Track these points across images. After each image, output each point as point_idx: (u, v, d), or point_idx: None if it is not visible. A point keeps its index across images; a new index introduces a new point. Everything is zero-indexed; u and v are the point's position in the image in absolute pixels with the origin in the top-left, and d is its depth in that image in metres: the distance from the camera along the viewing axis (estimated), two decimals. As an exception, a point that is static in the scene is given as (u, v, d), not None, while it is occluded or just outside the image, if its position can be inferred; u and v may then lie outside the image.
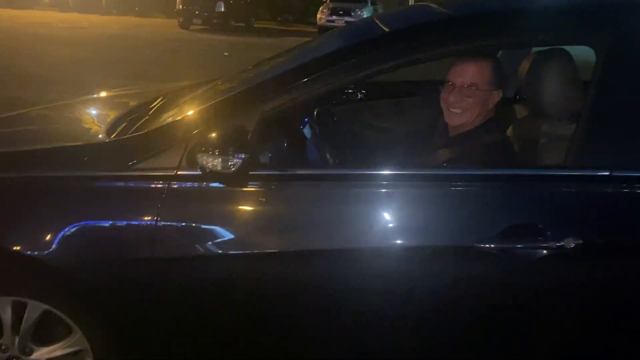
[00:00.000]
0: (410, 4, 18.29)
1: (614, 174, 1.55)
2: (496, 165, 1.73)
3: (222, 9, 18.11)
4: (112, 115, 2.20)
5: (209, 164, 1.50)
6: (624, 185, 1.57)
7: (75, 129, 2.33)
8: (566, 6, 1.80)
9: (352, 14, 17.62)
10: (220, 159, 1.49)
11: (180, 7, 18.01)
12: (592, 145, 1.59)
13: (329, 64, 1.69)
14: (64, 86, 7.05)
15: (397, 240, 1.59)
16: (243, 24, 19.41)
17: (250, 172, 1.60)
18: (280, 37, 16.90)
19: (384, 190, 1.63)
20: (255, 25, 20.19)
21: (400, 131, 3.08)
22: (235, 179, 1.58)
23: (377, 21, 1.99)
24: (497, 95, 1.95)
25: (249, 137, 1.58)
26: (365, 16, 17.68)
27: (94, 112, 2.60)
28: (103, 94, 3.04)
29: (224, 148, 1.50)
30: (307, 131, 2.44)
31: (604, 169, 1.56)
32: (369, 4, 18.72)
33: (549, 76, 1.85)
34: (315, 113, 2.41)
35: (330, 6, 18.17)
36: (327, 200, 1.64)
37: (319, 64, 1.73)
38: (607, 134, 1.59)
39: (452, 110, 1.96)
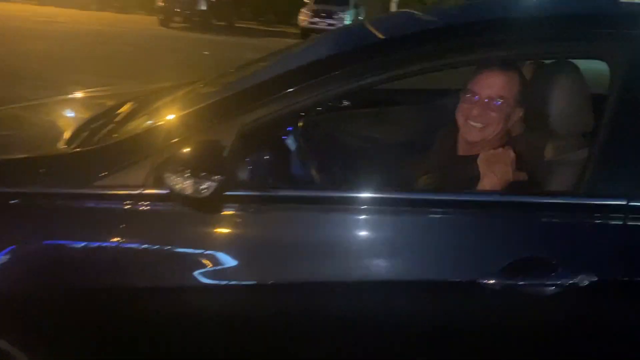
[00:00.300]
0: (392, 8, 18.30)
1: (632, 203, 1.40)
2: (503, 193, 1.56)
3: (204, 7, 17.82)
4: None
5: (178, 187, 1.31)
6: (643, 216, 1.41)
7: (38, 136, 2.10)
8: (576, 15, 1.64)
9: (335, 16, 17.43)
10: (190, 182, 1.29)
11: (161, 4, 17.65)
12: (607, 171, 1.43)
13: (319, 73, 1.51)
14: (36, 82, 6.77)
15: (391, 273, 1.42)
16: (225, 23, 19.10)
17: (226, 193, 1.41)
18: (262, 38, 16.66)
19: (377, 215, 1.45)
20: (237, 25, 19.87)
21: (388, 141, 2.92)
22: (208, 204, 1.39)
23: (369, 27, 1.81)
24: (518, 113, 1.78)
25: (225, 155, 1.39)
26: (347, 19, 17.56)
27: (64, 115, 2.38)
28: (79, 94, 2.80)
29: (196, 169, 1.30)
30: (290, 142, 2.25)
31: (621, 198, 1.40)
32: (352, 7, 18.57)
33: (556, 90, 1.70)
34: (299, 122, 2.23)
35: (313, 8, 17.96)
36: (313, 226, 1.45)
37: (307, 73, 1.54)
38: (624, 158, 1.43)
39: (472, 123, 1.76)
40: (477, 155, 1.77)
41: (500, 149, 1.67)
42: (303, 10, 18.27)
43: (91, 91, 2.93)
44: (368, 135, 2.93)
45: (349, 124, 2.91)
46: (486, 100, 1.73)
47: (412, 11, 2.05)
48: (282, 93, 1.49)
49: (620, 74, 1.45)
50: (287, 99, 1.49)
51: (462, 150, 1.86)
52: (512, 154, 1.64)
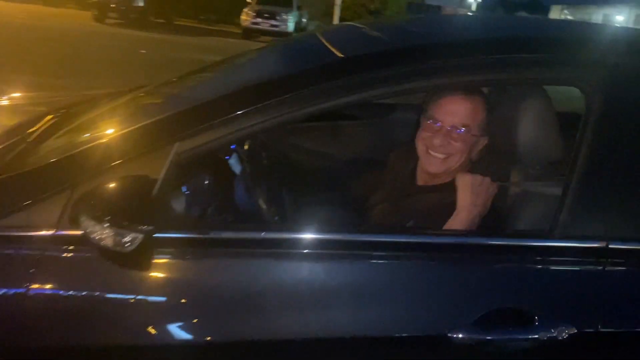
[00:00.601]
0: (335, 12, 18.25)
1: (612, 246, 1.28)
2: (470, 233, 1.41)
3: (141, 4, 17.19)
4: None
5: (96, 236, 1.07)
6: (624, 260, 1.30)
7: None
8: (547, 37, 1.52)
9: (278, 17, 17.20)
10: (111, 232, 1.06)
11: (95, -2, 16.93)
12: (584, 210, 1.30)
13: (271, 95, 1.31)
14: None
15: (351, 328, 1.23)
16: (163, 21, 18.54)
17: (156, 235, 1.18)
18: (202, 37, 16.22)
19: (332, 262, 1.27)
20: (176, 23, 19.32)
21: (342, 157, 2.76)
22: (133, 259, 1.16)
23: (326, 42, 1.61)
24: (483, 142, 1.63)
25: (155, 193, 1.17)
26: (291, 21, 17.37)
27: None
28: (4, 101, 2.46)
29: (117, 215, 1.07)
30: (234, 163, 2.03)
31: (599, 240, 1.28)
32: (295, 8, 18.40)
33: (521, 115, 1.57)
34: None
35: (255, 8, 17.66)
36: (261, 274, 1.25)
37: (258, 94, 1.34)
38: (602, 195, 1.31)
39: (434, 154, 1.60)
40: (438, 186, 1.64)
41: (487, 179, 1.53)
42: (245, 10, 17.95)
43: (9, 98, 2.60)
44: (322, 151, 2.76)
45: (300, 139, 2.72)
46: (449, 129, 1.57)
47: (366, 26, 1.88)
48: (227, 117, 1.28)
49: (597, 101, 1.33)
50: (233, 124, 1.28)
51: (421, 179, 1.71)
52: (495, 186, 1.53)
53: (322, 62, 1.49)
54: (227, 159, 2.03)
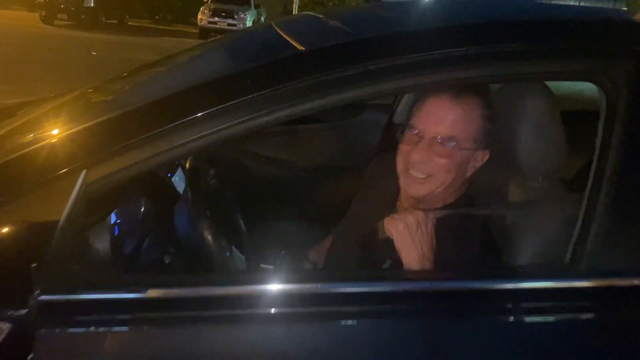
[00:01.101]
0: (294, 9, 17.90)
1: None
2: (467, 275, 1.11)
3: (92, 4, 16.54)
4: None
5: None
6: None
7: None
8: (553, 22, 1.25)
9: (235, 16, 16.75)
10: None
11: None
12: (615, 236, 1.03)
13: (212, 102, 1.00)
14: None
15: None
16: (116, 21, 17.91)
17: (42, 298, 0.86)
18: (157, 37, 15.68)
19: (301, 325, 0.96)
20: (129, 23, 18.72)
21: (303, 164, 2.46)
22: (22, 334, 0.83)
23: (285, 35, 1.30)
24: (481, 158, 1.26)
25: (54, 240, 0.85)
26: (249, 19, 16.94)
27: None
28: None
29: None
30: (178, 180, 1.70)
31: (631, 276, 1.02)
32: (252, 7, 17.99)
33: (521, 118, 1.30)
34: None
35: (212, 7, 17.17)
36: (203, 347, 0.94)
37: (194, 100, 1.02)
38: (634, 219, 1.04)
39: (412, 173, 1.26)
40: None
41: (418, 213, 1.20)
42: (202, 9, 17.48)
43: None
44: (284, 159, 2.46)
45: (258, 146, 2.41)
46: (431, 141, 1.22)
47: (326, 15, 1.58)
48: (152, 134, 0.96)
49: (622, 98, 1.07)
50: (159, 142, 0.96)
51: (405, 202, 1.36)
52: (428, 216, 1.21)
53: (275, 61, 1.18)
54: (170, 177, 1.71)
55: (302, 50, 1.16)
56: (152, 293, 0.94)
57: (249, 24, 16.74)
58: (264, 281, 0.99)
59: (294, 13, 17.80)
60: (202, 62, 1.55)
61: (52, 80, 6.89)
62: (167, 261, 1.25)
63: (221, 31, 16.28)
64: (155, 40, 14.59)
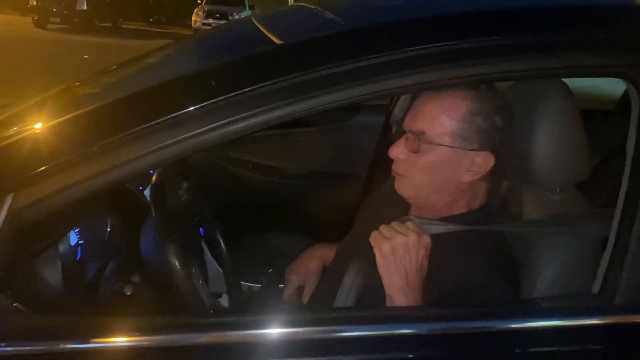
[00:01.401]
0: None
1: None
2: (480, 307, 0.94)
3: (85, 7, 16.35)
4: None
5: None
6: None
7: None
8: (572, 8, 1.08)
9: (230, 17, 16.62)
10: None
11: (34, 3, 15.99)
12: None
13: (177, 105, 0.83)
14: None
15: None
16: (109, 24, 17.73)
17: None
18: (151, 40, 15.49)
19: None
20: (123, 26, 18.56)
21: (292, 171, 2.30)
22: None
23: (262, 28, 1.12)
24: (482, 162, 1.11)
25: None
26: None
27: None
28: None
29: None
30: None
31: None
32: (247, 8, 17.87)
33: (534, 120, 1.13)
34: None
35: (206, 9, 17.09)
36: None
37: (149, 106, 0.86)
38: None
39: (395, 172, 1.17)
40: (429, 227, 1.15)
41: (411, 233, 1.04)
42: (196, 10, 17.38)
43: None
44: (270, 165, 2.29)
45: (242, 151, 2.24)
46: (407, 136, 1.12)
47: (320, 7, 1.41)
48: (106, 143, 0.79)
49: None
50: (106, 156, 0.79)
51: (414, 212, 1.22)
52: (424, 240, 1.05)
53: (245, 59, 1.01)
54: (142, 190, 1.53)
55: (281, 44, 0.99)
56: (94, 341, 0.77)
57: (243, 23, 16.60)
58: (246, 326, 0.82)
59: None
60: (166, 62, 1.38)
61: (42, 84, 6.72)
62: (127, 293, 1.08)
63: (216, 33, 16.14)
64: (148, 43, 14.44)
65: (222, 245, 1.39)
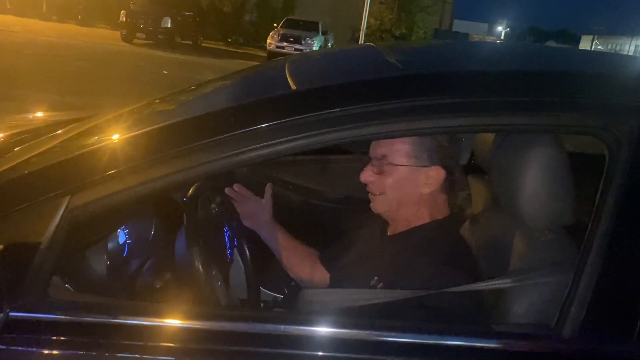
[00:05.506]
0: (361, 37, 18.06)
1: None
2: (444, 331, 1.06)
3: (169, 25, 17.26)
4: None
5: None
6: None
7: None
8: (557, 73, 1.21)
9: (303, 42, 17.13)
10: None
11: (124, 19, 17.07)
12: (604, 301, 0.97)
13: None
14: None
15: None
16: (190, 42, 18.61)
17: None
18: (227, 59, 16.21)
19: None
20: (203, 45, 19.43)
21: (333, 195, 2.45)
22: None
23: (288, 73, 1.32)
24: (434, 175, 1.32)
25: (34, 263, 0.89)
26: (315, 45, 17.26)
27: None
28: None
29: None
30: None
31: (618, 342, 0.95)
32: (320, 33, 18.33)
33: (523, 167, 1.24)
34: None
35: (281, 32, 17.65)
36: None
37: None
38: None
39: (370, 193, 1.39)
40: (402, 234, 1.38)
41: None
42: (271, 33, 17.97)
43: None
44: (309, 187, 2.46)
45: (284, 172, 2.43)
46: (372, 162, 1.36)
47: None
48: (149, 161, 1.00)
49: (624, 156, 1.01)
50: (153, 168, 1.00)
51: (390, 228, 1.45)
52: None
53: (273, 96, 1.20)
54: (185, 201, 1.74)
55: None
56: (121, 319, 0.97)
57: (315, 49, 17.04)
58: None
59: (360, 40, 17.99)
60: (223, 91, 1.59)
61: (120, 96, 7.21)
62: (157, 286, 1.28)
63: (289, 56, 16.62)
64: (225, 62, 15.07)
65: (248, 254, 1.58)
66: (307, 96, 1.18)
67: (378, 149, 1.33)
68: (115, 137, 1.11)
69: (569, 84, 1.12)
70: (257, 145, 1.04)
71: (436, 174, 1.32)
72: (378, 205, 1.37)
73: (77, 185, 0.98)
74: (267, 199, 1.64)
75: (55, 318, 0.96)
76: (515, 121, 1.09)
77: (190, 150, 1.03)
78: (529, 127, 1.11)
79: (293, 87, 1.20)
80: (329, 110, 1.06)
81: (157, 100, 1.58)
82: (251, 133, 1.04)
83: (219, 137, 1.04)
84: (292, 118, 1.06)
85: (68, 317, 0.96)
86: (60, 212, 0.97)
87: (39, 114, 2.62)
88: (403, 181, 1.32)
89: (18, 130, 1.74)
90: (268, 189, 1.66)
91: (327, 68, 1.62)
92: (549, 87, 1.13)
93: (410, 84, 1.16)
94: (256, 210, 1.63)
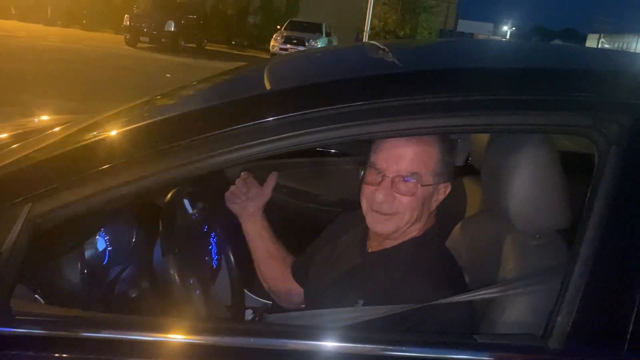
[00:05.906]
0: (365, 38, 18.01)
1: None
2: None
3: (172, 28, 17.26)
4: None
5: None
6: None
7: None
8: (548, 71, 1.16)
9: (307, 43, 17.08)
10: None
11: (128, 23, 17.10)
12: (593, 307, 0.92)
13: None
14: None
15: None
16: (194, 45, 18.59)
17: None
18: (231, 61, 16.17)
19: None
20: (207, 48, 19.41)
21: (330, 198, 2.40)
22: None
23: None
24: (443, 191, 1.26)
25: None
26: (318, 47, 17.23)
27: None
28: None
29: None
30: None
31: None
32: (324, 34, 18.29)
33: (513, 169, 1.19)
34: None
35: (284, 34, 17.64)
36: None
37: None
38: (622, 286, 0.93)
39: (377, 212, 1.23)
40: (389, 250, 1.28)
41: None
42: (275, 35, 17.96)
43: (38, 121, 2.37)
44: (303, 190, 2.41)
45: (279, 176, 2.38)
46: (394, 180, 1.20)
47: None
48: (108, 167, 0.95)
49: (613, 157, 0.96)
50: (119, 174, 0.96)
51: (372, 244, 1.33)
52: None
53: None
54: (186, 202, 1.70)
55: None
56: (88, 332, 0.92)
57: (316, 50, 16.98)
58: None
59: (364, 41, 17.95)
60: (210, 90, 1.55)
61: (121, 100, 7.20)
62: (132, 295, 1.24)
63: (292, 58, 16.59)
64: (228, 65, 14.99)
65: (232, 261, 1.53)
66: (300, 94, 1.13)
67: (403, 163, 1.18)
68: (81, 141, 1.07)
69: (557, 82, 1.07)
70: (233, 147, 0.99)
71: (445, 190, 1.26)
72: (390, 227, 1.23)
73: (39, 192, 0.94)
74: (266, 187, 1.58)
75: (16, 332, 0.91)
76: (501, 121, 1.04)
77: (162, 152, 0.99)
78: (515, 127, 1.07)
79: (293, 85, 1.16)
80: (329, 108, 1.01)
81: (130, 105, 1.54)
82: (226, 134, 1.00)
83: (193, 138, 1.00)
84: (295, 113, 1.02)
85: (31, 331, 0.92)
86: (21, 221, 0.92)
87: (45, 117, 2.60)
88: (424, 200, 1.22)
89: (20, 131, 1.72)
90: (272, 176, 1.59)
91: (325, 66, 1.57)
92: (537, 85, 1.08)
93: (402, 82, 1.11)
94: (254, 196, 1.57)
